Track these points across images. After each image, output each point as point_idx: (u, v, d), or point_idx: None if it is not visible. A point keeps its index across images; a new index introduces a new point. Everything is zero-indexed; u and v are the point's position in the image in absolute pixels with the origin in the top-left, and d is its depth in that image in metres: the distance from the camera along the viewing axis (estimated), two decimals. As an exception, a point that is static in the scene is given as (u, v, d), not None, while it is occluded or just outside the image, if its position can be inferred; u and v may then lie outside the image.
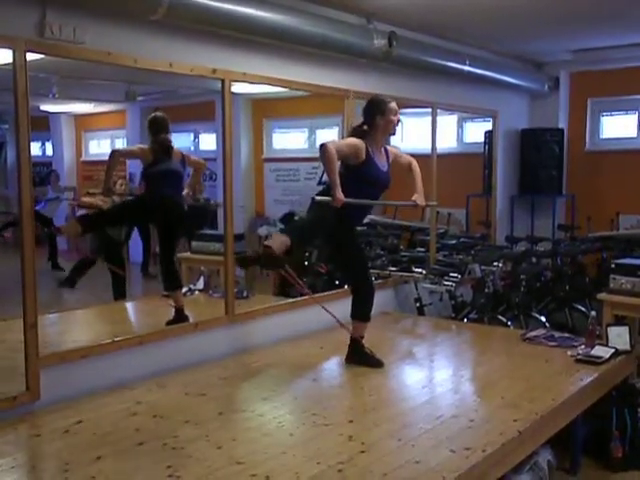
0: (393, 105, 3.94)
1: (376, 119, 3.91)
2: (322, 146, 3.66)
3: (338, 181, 3.63)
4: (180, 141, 8.56)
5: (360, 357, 4.09)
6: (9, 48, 3.16)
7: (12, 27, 3.17)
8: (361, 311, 4.12)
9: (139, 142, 5.88)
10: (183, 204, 4.93)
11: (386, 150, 4.06)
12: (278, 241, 3.62)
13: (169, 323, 4.41)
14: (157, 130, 4.75)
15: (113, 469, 2.70)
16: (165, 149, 4.76)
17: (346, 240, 4.05)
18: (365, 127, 3.94)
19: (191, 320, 4.45)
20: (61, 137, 8.55)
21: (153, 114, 4.87)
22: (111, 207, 5.15)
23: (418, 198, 4.04)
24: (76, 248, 6.95)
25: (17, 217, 3.33)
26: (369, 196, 3.94)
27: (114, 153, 5.12)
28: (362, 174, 3.85)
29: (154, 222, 5.08)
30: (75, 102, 7.34)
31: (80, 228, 5.01)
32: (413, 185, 4.10)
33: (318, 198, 3.72)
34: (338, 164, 3.70)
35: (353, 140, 3.87)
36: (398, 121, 3.97)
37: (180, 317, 4.50)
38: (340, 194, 3.62)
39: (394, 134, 4.06)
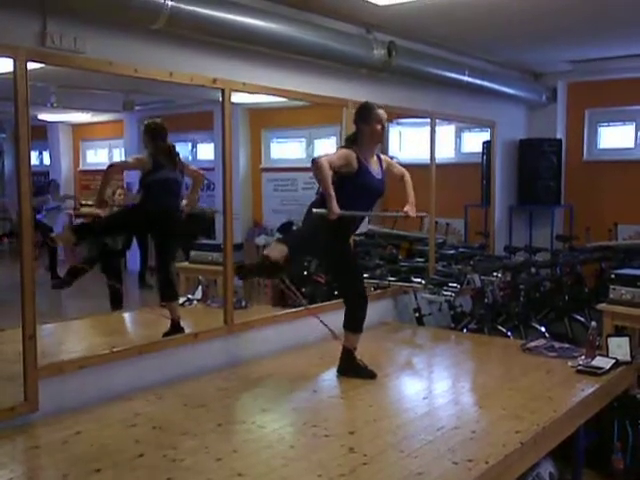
0: (377, 112, 3.90)
1: (361, 127, 3.91)
2: (314, 161, 3.65)
3: (333, 194, 3.63)
4: (178, 150, 8.60)
5: (352, 368, 4.06)
6: (10, 57, 3.15)
7: (13, 36, 3.16)
8: (352, 322, 4.09)
9: (136, 152, 5.85)
10: (181, 215, 4.88)
11: (379, 158, 4.06)
12: (276, 250, 3.64)
13: (165, 335, 4.36)
14: (160, 137, 4.68)
15: (112, 481, 2.68)
16: (171, 157, 4.69)
17: (340, 250, 4.03)
18: (356, 135, 3.95)
19: (188, 331, 4.42)
20: (59, 146, 8.53)
21: (151, 120, 4.79)
22: (107, 215, 5.07)
23: (410, 209, 4.05)
24: (73, 256, 6.91)
25: (15, 225, 3.31)
26: (364, 204, 3.96)
27: (110, 167, 5.05)
28: (357, 183, 3.84)
29: (151, 232, 4.94)
30: (73, 111, 7.33)
31: (74, 237, 4.96)
32: (405, 196, 4.11)
33: (315, 210, 3.72)
34: (331, 174, 3.68)
35: (343, 151, 3.87)
36: (383, 128, 3.92)
37: (175, 329, 4.44)
38: (336, 207, 3.62)
39: (380, 142, 4.05)
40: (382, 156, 4.11)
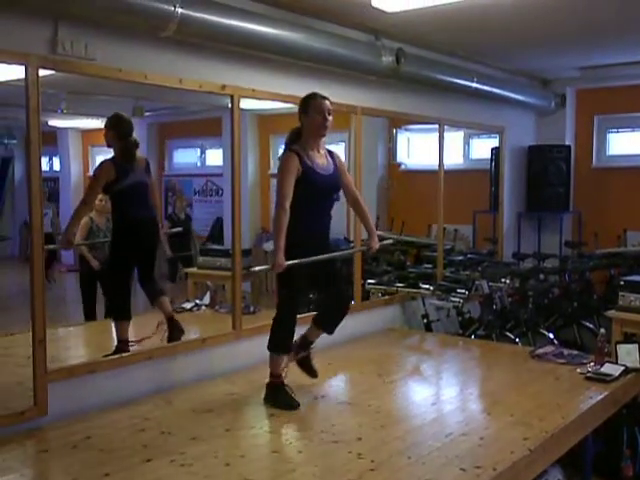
0: (317, 102, 3.62)
1: (302, 119, 3.67)
2: (277, 209, 3.51)
3: (283, 245, 3.44)
4: (187, 156, 8.63)
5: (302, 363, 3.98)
6: (22, 64, 3.18)
7: (25, 43, 3.20)
8: (328, 320, 3.90)
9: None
10: (156, 219, 4.50)
11: (330, 153, 3.78)
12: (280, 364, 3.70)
13: (168, 335, 4.30)
14: (127, 133, 4.21)
15: (121, 486, 2.69)
16: (130, 154, 4.20)
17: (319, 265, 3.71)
18: (299, 129, 3.72)
19: (196, 336, 4.44)
20: (68, 152, 8.57)
21: (115, 113, 4.31)
22: (112, 277, 4.46)
23: (374, 242, 3.92)
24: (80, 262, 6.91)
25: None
26: (319, 206, 3.69)
27: (82, 204, 4.35)
28: (305, 185, 3.56)
29: (133, 248, 4.31)
30: (83, 117, 7.36)
31: (127, 322, 4.32)
32: (365, 226, 3.97)
33: (253, 269, 3.55)
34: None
35: (286, 167, 3.55)
36: (324, 120, 3.61)
37: (173, 324, 4.31)
38: (281, 258, 3.42)
39: (322, 135, 3.68)
40: (333, 152, 3.83)
